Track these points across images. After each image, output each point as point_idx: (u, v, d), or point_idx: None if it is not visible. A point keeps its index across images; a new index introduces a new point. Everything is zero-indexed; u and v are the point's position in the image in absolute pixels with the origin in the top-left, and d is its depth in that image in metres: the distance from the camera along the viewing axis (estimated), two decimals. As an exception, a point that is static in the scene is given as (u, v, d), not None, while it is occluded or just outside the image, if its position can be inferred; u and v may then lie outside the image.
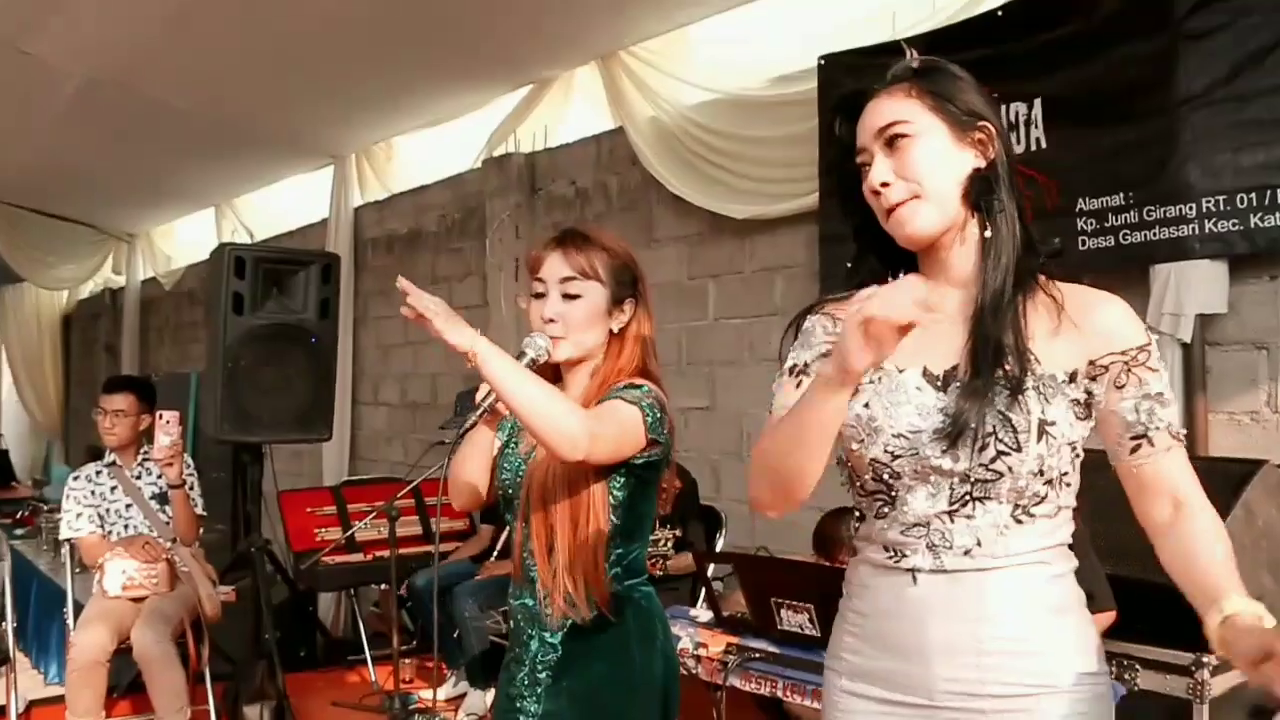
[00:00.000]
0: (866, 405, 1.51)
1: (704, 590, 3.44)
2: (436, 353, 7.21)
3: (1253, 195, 3.39)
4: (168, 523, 4.31)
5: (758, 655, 2.99)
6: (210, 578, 4.32)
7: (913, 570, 1.51)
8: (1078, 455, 1.50)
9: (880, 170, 1.50)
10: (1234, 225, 3.42)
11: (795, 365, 1.60)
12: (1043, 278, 1.53)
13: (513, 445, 2.16)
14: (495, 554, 4.98)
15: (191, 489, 4.32)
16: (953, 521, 1.49)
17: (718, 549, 4.48)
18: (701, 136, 5.17)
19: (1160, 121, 3.53)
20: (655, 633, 2.10)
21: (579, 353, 2.08)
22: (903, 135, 1.49)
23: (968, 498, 1.47)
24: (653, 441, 2.00)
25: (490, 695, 4.71)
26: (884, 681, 1.54)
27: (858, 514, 1.61)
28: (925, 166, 1.49)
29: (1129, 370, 1.47)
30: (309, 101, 6.40)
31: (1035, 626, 1.48)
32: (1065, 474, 1.49)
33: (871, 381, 1.51)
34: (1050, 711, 1.46)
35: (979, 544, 1.48)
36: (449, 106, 6.55)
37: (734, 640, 3.11)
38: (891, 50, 4.60)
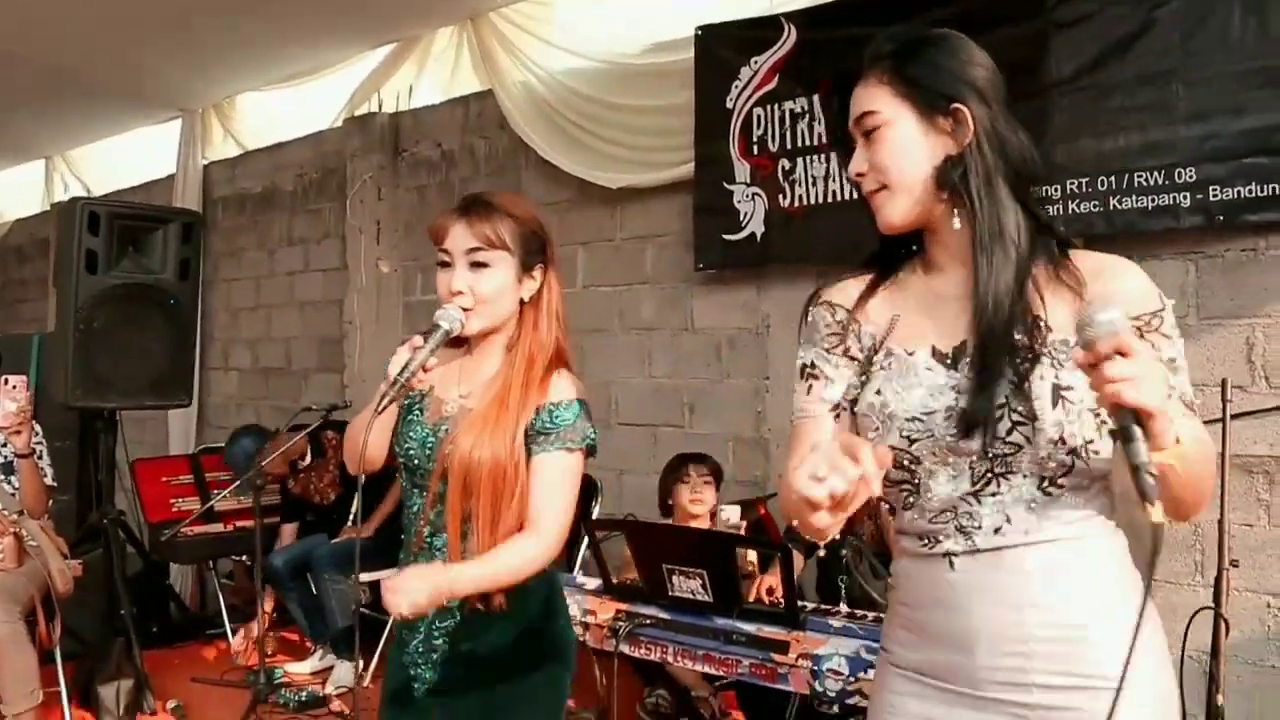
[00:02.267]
0: (878, 392, 1.48)
1: (593, 557, 3.44)
2: (292, 317, 6.99)
3: (1112, 179, 3.58)
4: (14, 494, 4.04)
5: (649, 621, 3.02)
6: (61, 551, 4.08)
7: (948, 555, 1.47)
8: (1104, 422, 1.38)
9: (856, 160, 1.50)
10: (1095, 207, 3.60)
11: (804, 366, 1.58)
12: (1062, 252, 1.47)
13: (417, 414, 2.11)
14: (352, 519, 4.86)
15: (40, 458, 4.07)
16: (979, 502, 1.45)
17: (594, 517, 4.49)
18: (574, 102, 5.13)
19: (1031, 104, 3.67)
20: (554, 597, 2.11)
21: (491, 323, 2.04)
22: (872, 127, 1.47)
23: (989, 475, 1.43)
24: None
25: (356, 667, 4.63)
26: (931, 670, 1.50)
27: (888, 507, 1.60)
28: (891, 157, 1.46)
29: (1143, 335, 1.38)
30: (157, 49, 6.03)
31: (1090, 610, 1.41)
32: (1090, 441, 1.38)
33: (883, 367, 1.49)
34: (1103, 713, 1.30)
35: (1009, 521, 1.43)
36: (309, 61, 6.31)
37: (623, 607, 3.13)
38: (769, 24, 4.67)
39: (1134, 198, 3.55)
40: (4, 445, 4.04)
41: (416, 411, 2.10)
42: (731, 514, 3.86)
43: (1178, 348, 1.41)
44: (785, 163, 4.41)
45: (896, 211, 1.48)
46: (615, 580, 3.32)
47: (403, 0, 5.42)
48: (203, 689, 4.55)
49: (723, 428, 4.77)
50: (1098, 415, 1.37)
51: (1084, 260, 1.47)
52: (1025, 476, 1.42)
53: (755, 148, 4.50)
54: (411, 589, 1.83)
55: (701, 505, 3.89)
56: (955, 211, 1.46)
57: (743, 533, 3.86)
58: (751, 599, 3.21)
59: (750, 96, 4.51)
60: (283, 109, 6.83)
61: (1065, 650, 1.40)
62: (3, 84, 6.48)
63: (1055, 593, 1.41)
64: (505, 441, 1.96)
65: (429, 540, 2.04)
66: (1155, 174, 3.51)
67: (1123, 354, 1.16)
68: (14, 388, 3.86)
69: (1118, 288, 1.42)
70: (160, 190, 7.60)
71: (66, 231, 4.25)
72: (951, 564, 1.47)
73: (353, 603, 4.57)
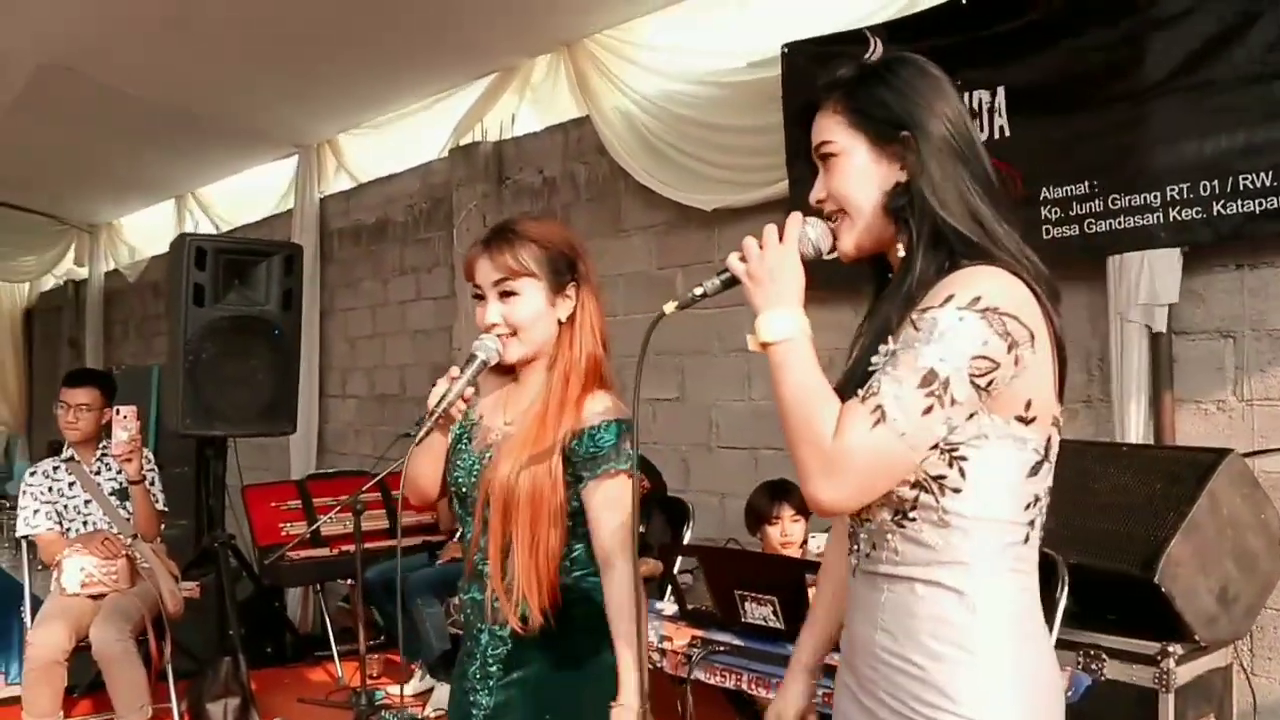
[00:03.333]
0: None
1: (670, 583, 3.41)
2: (404, 345, 7.16)
3: (1215, 183, 3.39)
4: (128, 519, 4.24)
5: (721, 648, 2.97)
6: (172, 573, 4.27)
7: (852, 566, 1.56)
8: (960, 457, 1.39)
9: (816, 187, 1.54)
10: (1197, 213, 3.41)
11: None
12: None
13: (465, 443, 2.13)
14: (456, 535, 4.93)
15: (152, 484, 4.27)
16: (860, 526, 1.51)
17: (685, 541, 4.45)
18: (668, 125, 5.13)
19: (1124, 108, 3.52)
20: (603, 623, 2.05)
21: (533, 349, 2.04)
22: (829, 155, 1.52)
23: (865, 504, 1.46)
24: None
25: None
26: (845, 664, 1.59)
27: None
28: (845, 185, 1.51)
29: (913, 321, 1.39)
30: (272, 90, 6.31)
31: (921, 649, 1.42)
32: (941, 477, 1.40)
33: None
34: None
35: (874, 547, 1.48)
36: (414, 95, 6.48)
37: (698, 633, 3.09)
38: (854, 39, 4.60)
39: (1240, 201, 3.35)
40: (118, 472, 4.24)
41: (465, 440, 2.13)
42: (823, 544, 3.77)
43: (921, 349, 1.34)
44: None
45: (850, 238, 1.52)
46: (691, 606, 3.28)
47: (501, 31, 5.53)
48: (307, 709, 4.67)
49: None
50: (948, 451, 1.38)
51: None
52: (881, 507, 1.45)
53: (846, 164, 4.41)
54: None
55: (793, 545, 3.81)
56: (900, 237, 1.50)
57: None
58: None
59: (840, 112, 4.43)
60: (391, 142, 7.02)
61: (902, 681, 1.44)
62: (132, 125, 6.84)
63: (898, 625, 1.45)
64: (544, 463, 1.96)
65: (479, 568, 2.06)
66: (1262, 176, 3.31)
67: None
68: (125, 417, 4.06)
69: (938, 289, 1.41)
70: (281, 224, 7.89)
71: (176, 267, 4.44)
72: (853, 574, 1.56)
73: (450, 631, 4.65)
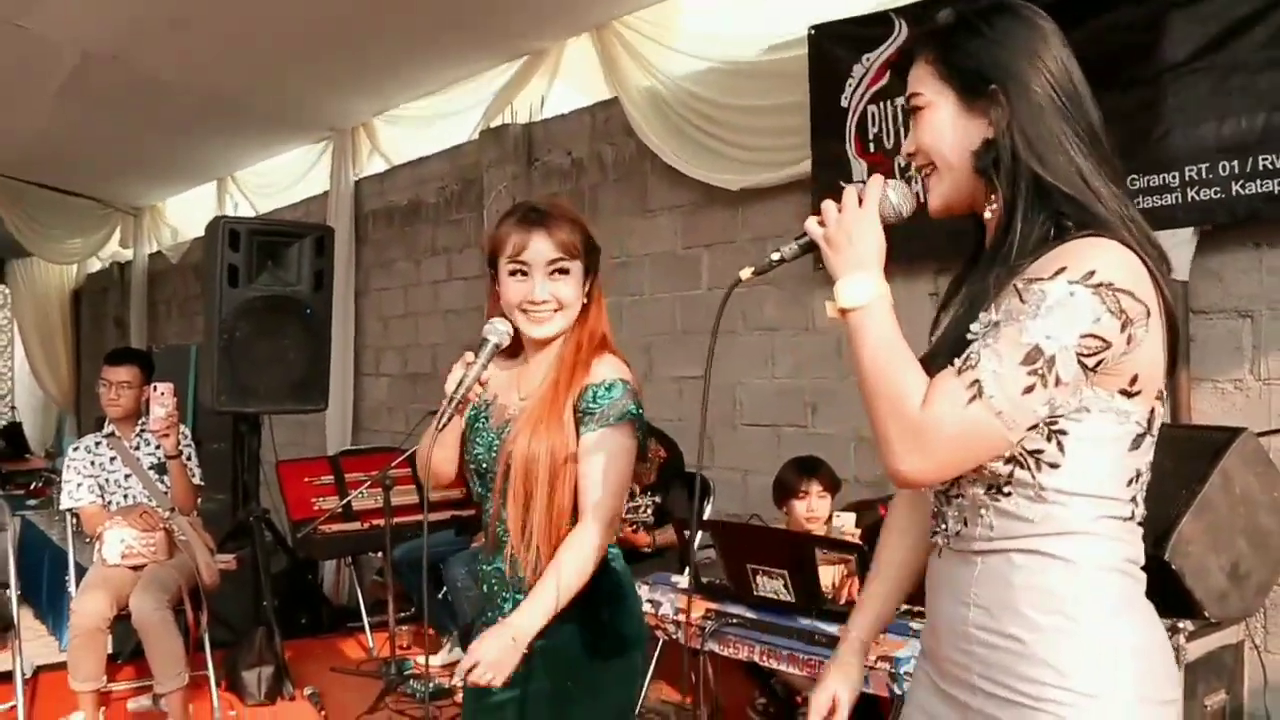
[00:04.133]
0: None
1: (687, 556, 3.48)
2: (436, 324, 7.26)
3: (1234, 163, 3.39)
4: (166, 492, 4.36)
5: (734, 620, 3.04)
6: (209, 546, 4.38)
7: (935, 547, 1.50)
8: (1060, 431, 1.33)
9: (908, 141, 1.50)
10: (1215, 193, 3.42)
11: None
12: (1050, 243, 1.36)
13: (483, 422, 2.19)
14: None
15: (189, 459, 4.38)
16: (947, 503, 1.45)
17: (705, 516, 4.52)
18: (695, 105, 5.18)
19: (1144, 89, 3.53)
20: (623, 594, 2.14)
21: (568, 325, 2.12)
22: (918, 107, 1.47)
23: (958, 477, 1.40)
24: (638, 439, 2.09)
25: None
26: (927, 655, 1.54)
27: None
28: (932, 139, 1.45)
29: (1019, 293, 1.32)
30: (307, 75, 6.42)
31: (1021, 621, 1.35)
32: (1038, 452, 1.33)
33: None
34: None
35: (965, 524, 1.42)
36: (445, 78, 6.56)
37: (712, 606, 3.15)
38: (880, 20, 4.62)
39: (1258, 182, 3.36)
40: (156, 447, 4.36)
41: (483, 420, 2.19)
42: (847, 521, 3.81)
43: (1026, 323, 1.27)
44: (901, 160, 4.35)
45: (938, 194, 1.47)
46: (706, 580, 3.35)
47: (531, 14, 5.58)
48: (339, 678, 4.79)
49: (845, 428, 4.73)
50: (1047, 425, 1.32)
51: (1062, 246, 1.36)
52: (973, 482, 1.39)
53: (871, 145, 4.45)
54: (494, 662, 1.91)
55: (818, 521, 3.86)
56: (990, 197, 1.43)
57: (859, 538, 3.81)
58: (843, 599, 3.18)
59: (864, 94, 4.46)
60: (424, 125, 7.11)
61: (999, 659, 1.36)
62: (173, 110, 6.98)
63: (994, 598, 1.38)
64: (559, 427, 2.04)
65: (501, 538, 2.11)
66: (1280, 158, 3.32)
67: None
68: (161, 394, 4.16)
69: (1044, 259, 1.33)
70: (317, 206, 8.02)
71: (211, 248, 4.55)
72: (938, 554, 1.50)
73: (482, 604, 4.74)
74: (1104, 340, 1.27)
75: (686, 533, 3.51)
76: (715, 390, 5.31)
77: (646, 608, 3.21)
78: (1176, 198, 3.47)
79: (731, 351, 5.23)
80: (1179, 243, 3.46)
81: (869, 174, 4.42)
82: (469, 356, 2.08)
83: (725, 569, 3.14)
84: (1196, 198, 3.45)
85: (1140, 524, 1.40)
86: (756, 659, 2.95)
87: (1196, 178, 3.45)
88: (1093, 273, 1.26)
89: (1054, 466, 1.33)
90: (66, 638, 4.62)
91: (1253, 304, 3.50)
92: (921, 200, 1.49)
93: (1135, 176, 3.55)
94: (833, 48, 4.55)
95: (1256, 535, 3.15)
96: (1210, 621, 3.03)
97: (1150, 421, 1.37)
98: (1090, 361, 1.27)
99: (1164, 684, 1.37)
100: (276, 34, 5.70)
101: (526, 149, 6.39)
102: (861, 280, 1.38)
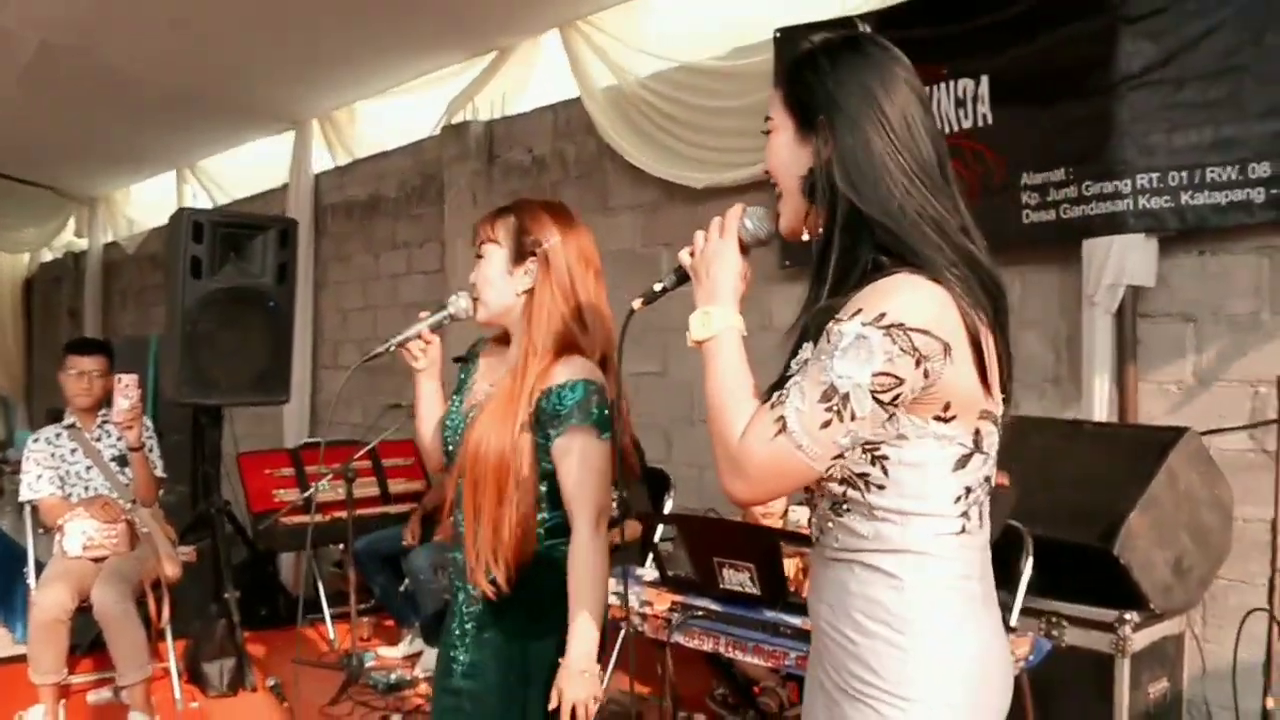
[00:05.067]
0: None
1: (651, 550, 3.54)
2: (396, 318, 7.26)
3: (1184, 174, 3.53)
4: (127, 484, 4.35)
5: (700, 613, 3.09)
6: (170, 538, 4.38)
7: (813, 547, 1.59)
8: (882, 456, 1.41)
9: (766, 161, 1.58)
10: (1166, 202, 3.55)
11: None
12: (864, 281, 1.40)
13: (457, 402, 2.24)
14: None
15: (151, 451, 4.37)
16: (812, 510, 1.55)
17: (665, 510, 4.59)
18: (658, 105, 5.24)
19: (1100, 100, 3.65)
20: (565, 581, 2.10)
21: (489, 314, 2.17)
22: (767, 131, 1.55)
23: (810, 489, 1.51)
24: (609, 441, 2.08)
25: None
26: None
27: None
28: (774, 163, 1.54)
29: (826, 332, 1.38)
30: (269, 66, 6.39)
31: (853, 624, 1.45)
32: (865, 474, 1.42)
33: None
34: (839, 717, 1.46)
35: (822, 532, 1.52)
36: (409, 72, 6.57)
37: (678, 599, 3.22)
38: (845, 25, 4.69)
39: (1206, 193, 3.50)
40: (118, 439, 4.35)
41: (458, 400, 2.24)
42: (802, 515, 3.89)
43: (826, 362, 1.34)
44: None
45: (784, 216, 1.55)
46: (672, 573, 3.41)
47: (497, 11, 5.61)
48: (301, 669, 4.79)
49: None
50: (869, 450, 1.40)
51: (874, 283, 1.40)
52: (822, 497, 1.49)
53: (834, 146, 4.53)
54: (581, 699, 1.97)
55: (773, 516, 3.93)
56: (815, 223, 1.50)
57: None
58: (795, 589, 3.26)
59: (828, 97, 4.54)
60: (385, 119, 7.12)
61: (837, 653, 1.47)
62: (133, 100, 6.90)
63: (837, 600, 1.48)
64: (508, 432, 2.04)
65: (459, 529, 2.15)
66: (1228, 169, 3.45)
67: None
68: (126, 386, 4.15)
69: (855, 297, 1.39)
70: (276, 199, 7.99)
71: (173, 240, 4.55)
72: (812, 554, 1.61)
73: (443, 596, 4.78)
74: (897, 378, 1.33)
75: (657, 527, 3.57)
76: (673, 387, 5.39)
77: (612, 599, 3.27)
78: (1129, 205, 3.60)
79: (690, 349, 5.28)
80: (1142, 250, 3.59)
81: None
82: (424, 314, 2.21)
83: (692, 562, 3.20)
84: (1148, 205, 3.57)
85: (975, 535, 1.46)
86: (722, 650, 3.01)
87: (1148, 186, 3.58)
88: (883, 314, 1.32)
89: (880, 488, 1.41)
90: (21, 630, 4.61)
91: (1196, 309, 3.64)
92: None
93: (1089, 183, 3.68)
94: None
95: (1198, 531, 3.29)
96: (1154, 613, 3.15)
97: (977, 441, 1.43)
98: (885, 398, 1.34)
99: (985, 690, 1.46)
100: (240, 25, 5.67)
101: (488, 146, 6.42)
102: (710, 313, 1.48)
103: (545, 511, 2.10)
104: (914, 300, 1.34)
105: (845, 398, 1.33)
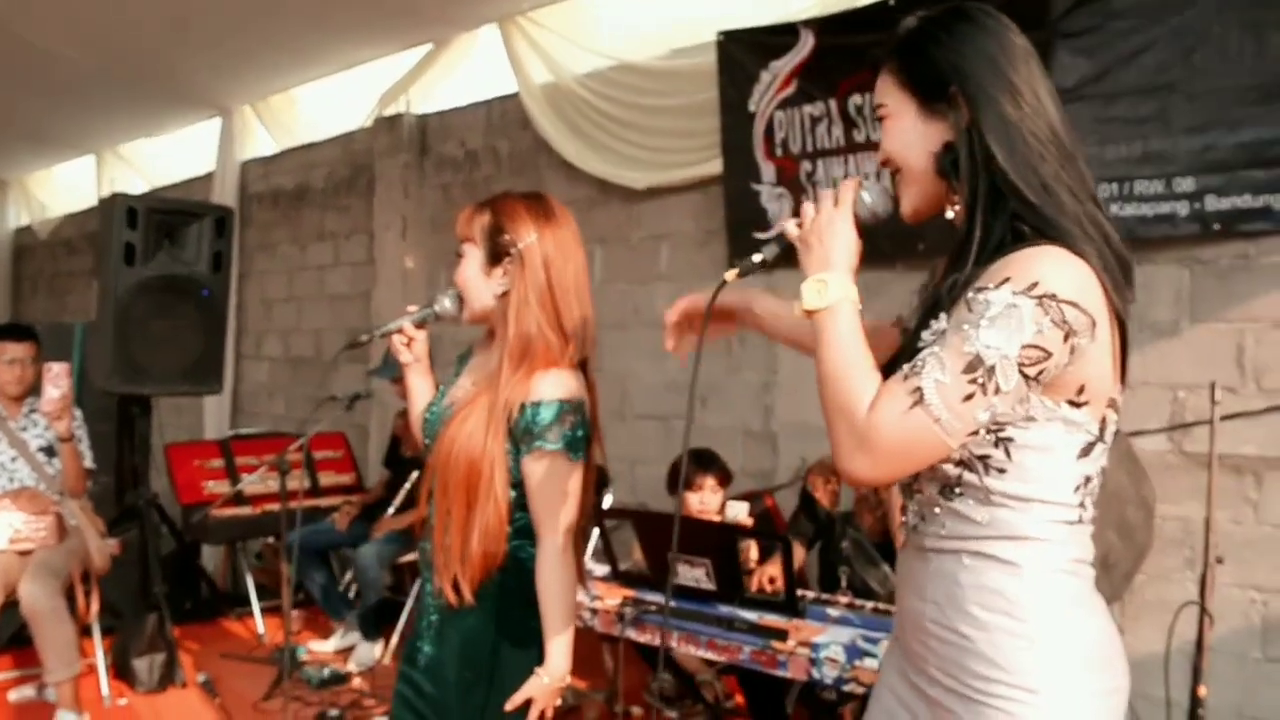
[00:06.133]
0: None
1: (602, 545, 3.58)
2: (321, 309, 7.18)
3: (1114, 186, 3.68)
4: (55, 475, 4.24)
5: (654, 608, 3.14)
6: (99, 530, 4.27)
7: (903, 540, 1.54)
8: (1007, 438, 1.36)
9: (881, 149, 1.51)
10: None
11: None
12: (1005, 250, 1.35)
13: (442, 393, 2.22)
14: (393, 509, 5.05)
15: (80, 441, 4.26)
16: (910, 497, 1.49)
17: (604, 506, 4.63)
18: (595, 103, 5.27)
19: (1034, 114, 3.77)
20: (526, 586, 2.08)
21: (469, 314, 2.14)
22: (883, 117, 1.49)
23: (917, 474, 1.44)
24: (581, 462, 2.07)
25: (379, 647, 4.81)
26: (895, 640, 1.58)
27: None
28: (896, 146, 1.48)
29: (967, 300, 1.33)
30: (197, 49, 6.24)
31: (968, 619, 1.39)
32: (986, 457, 1.37)
33: None
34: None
35: (923, 519, 1.46)
36: (340, 61, 6.49)
37: (630, 594, 3.26)
38: (787, 30, 4.79)
39: (1134, 205, 3.65)
40: (46, 429, 4.23)
41: (444, 390, 2.23)
42: (739, 511, 3.93)
43: (970, 332, 1.29)
44: (807, 165, 4.53)
45: (906, 200, 1.49)
46: (622, 567, 3.45)
47: (434, 3, 5.58)
48: (231, 664, 4.74)
49: (733, 421, 4.91)
50: (994, 431, 1.35)
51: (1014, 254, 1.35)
52: (929, 481, 1.44)
53: (779, 150, 4.62)
54: (547, 704, 2.03)
55: (709, 514, 3.97)
56: (953, 200, 1.45)
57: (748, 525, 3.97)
58: (754, 589, 3.33)
59: (771, 100, 4.63)
60: (315, 109, 7.03)
61: (950, 653, 1.41)
62: (53, 80, 6.70)
63: (945, 595, 1.42)
64: (484, 439, 2.01)
65: (430, 521, 2.13)
66: (1154, 182, 3.61)
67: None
68: (56, 374, 4.03)
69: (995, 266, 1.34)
70: (200, 186, 7.82)
71: (107, 225, 4.44)
72: (903, 547, 1.55)
73: (383, 590, 4.78)
74: (1045, 351, 1.28)
75: (604, 522, 3.60)
76: (606, 382, 5.42)
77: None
78: (1060, 214, 3.72)
79: (623, 345, 5.35)
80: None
81: (777, 176, 4.63)
82: (412, 308, 2.21)
83: (646, 557, 3.24)
84: (1077, 216, 3.71)
85: (1087, 524, 1.43)
86: (675, 645, 3.06)
87: (1079, 197, 3.71)
88: (1036, 284, 1.27)
89: (1001, 471, 1.36)
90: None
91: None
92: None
93: (1023, 194, 3.80)
94: (740, 54, 4.71)
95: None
96: (1083, 607, 3.29)
97: (1102, 429, 1.40)
98: (1031, 372, 1.28)
99: (1109, 674, 1.41)
100: (167, 4, 5.54)
101: (420, 139, 6.39)
102: (826, 282, 1.40)
103: (517, 513, 2.08)
104: (1064, 271, 1.30)
105: (991, 370, 1.27)
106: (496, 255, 2.07)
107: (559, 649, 2.03)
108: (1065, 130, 1.41)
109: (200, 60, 6.43)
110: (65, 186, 9.66)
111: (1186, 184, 3.55)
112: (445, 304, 2.16)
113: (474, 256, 2.10)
